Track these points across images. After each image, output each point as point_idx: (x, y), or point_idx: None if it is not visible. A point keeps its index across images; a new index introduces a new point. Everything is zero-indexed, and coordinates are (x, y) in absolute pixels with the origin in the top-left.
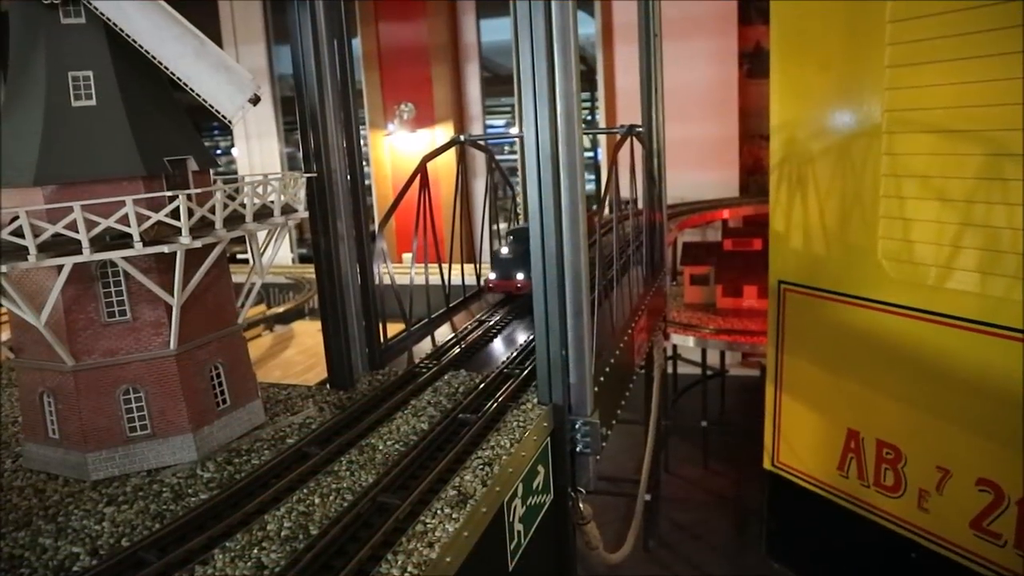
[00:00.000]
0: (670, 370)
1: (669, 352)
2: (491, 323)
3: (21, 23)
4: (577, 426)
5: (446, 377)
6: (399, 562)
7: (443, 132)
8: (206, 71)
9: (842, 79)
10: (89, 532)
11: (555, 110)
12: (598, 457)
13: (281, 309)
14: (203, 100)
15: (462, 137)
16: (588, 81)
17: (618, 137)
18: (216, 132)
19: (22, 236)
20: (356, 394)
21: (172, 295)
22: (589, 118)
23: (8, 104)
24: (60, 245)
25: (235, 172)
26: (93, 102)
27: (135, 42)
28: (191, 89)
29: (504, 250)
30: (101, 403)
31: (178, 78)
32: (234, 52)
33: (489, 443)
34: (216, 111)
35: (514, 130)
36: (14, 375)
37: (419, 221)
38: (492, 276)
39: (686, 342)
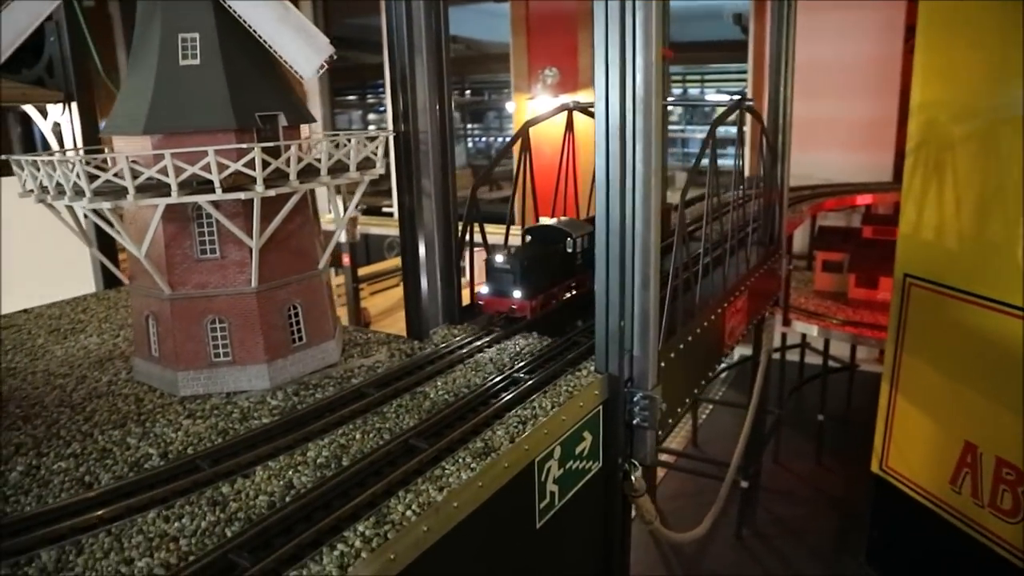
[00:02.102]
0: (794, 358)
1: (796, 340)
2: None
3: None
4: (636, 399)
5: (516, 338)
6: (407, 500)
7: (585, 97)
8: (288, 34)
9: (994, 59)
10: (166, 438)
11: (625, 79)
12: (659, 432)
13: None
14: (283, 60)
15: (571, 103)
16: (741, 51)
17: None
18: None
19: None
20: (428, 345)
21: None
22: (739, 90)
23: (131, 66)
24: (158, 187)
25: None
26: (197, 61)
27: (228, 6)
28: (273, 49)
29: (499, 259)
30: (191, 329)
31: (263, 39)
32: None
33: (532, 403)
34: (295, 71)
35: None
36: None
37: (516, 185)
38: (483, 290)
39: (809, 331)
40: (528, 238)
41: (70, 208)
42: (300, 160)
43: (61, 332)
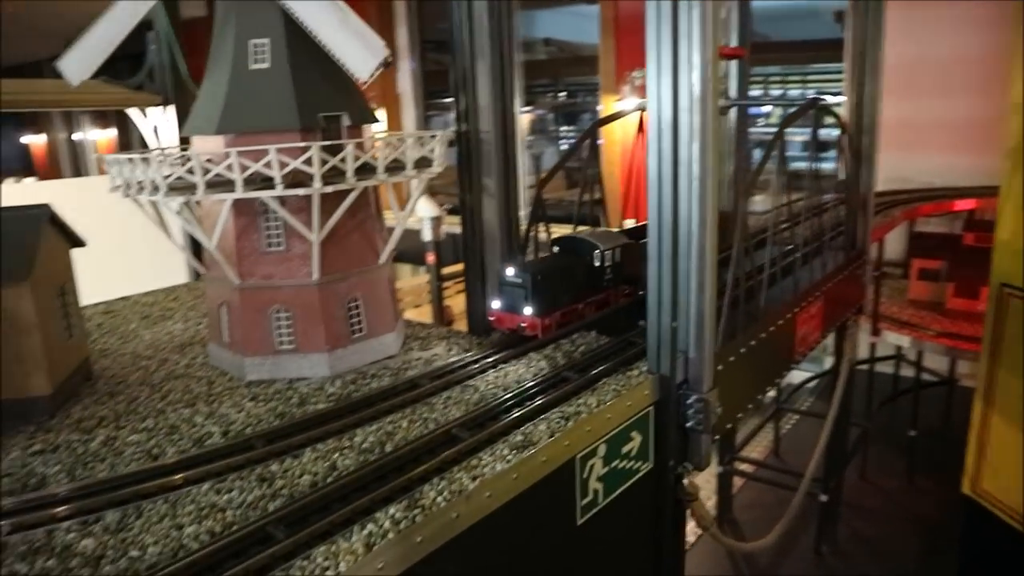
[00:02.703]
0: (888, 370)
1: (888, 351)
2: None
3: (222, 3)
4: (690, 401)
5: (574, 336)
6: (440, 487)
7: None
8: (346, 38)
9: None
10: (228, 418)
11: (678, 76)
12: (716, 437)
13: None
14: (341, 63)
15: (643, 103)
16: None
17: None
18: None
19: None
20: (485, 341)
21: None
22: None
23: (208, 71)
24: (225, 184)
25: None
26: (267, 65)
27: (292, 13)
28: (331, 52)
29: (509, 271)
30: (258, 318)
31: (322, 43)
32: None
33: (578, 400)
34: (351, 74)
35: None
36: None
37: (583, 184)
38: (495, 304)
39: (901, 342)
40: (556, 249)
41: (153, 203)
42: (357, 159)
43: (152, 318)
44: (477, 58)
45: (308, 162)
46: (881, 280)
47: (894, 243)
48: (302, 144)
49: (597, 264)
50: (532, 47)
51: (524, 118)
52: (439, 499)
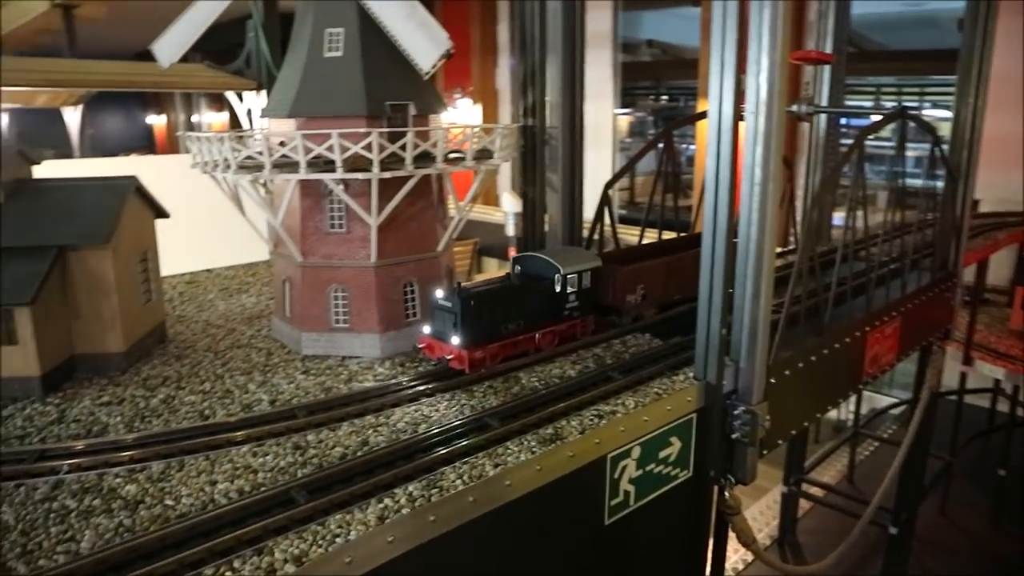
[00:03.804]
0: (982, 403)
1: (984, 383)
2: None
3: None
4: (737, 412)
5: (627, 337)
6: (461, 470)
7: None
8: (412, 30)
9: None
10: (279, 388)
11: (737, 79)
12: (764, 452)
13: None
14: (406, 53)
15: None
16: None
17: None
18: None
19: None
20: None
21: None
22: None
23: (287, 57)
24: (292, 165)
25: None
26: (340, 53)
27: (365, 5)
28: (398, 43)
29: (438, 294)
30: (316, 295)
31: (390, 33)
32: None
33: (617, 400)
34: (415, 63)
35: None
36: None
37: (655, 186)
38: (426, 329)
39: (996, 373)
40: (517, 268)
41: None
42: (417, 147)
43: (229, 291)
44: (548, 54)
45: (369, 148)
46: (978, 306)
47: (1000, 268)
48: (363, 130)
49: (558, 289)
50: (635, 48)
51: (622, 120)
52: (458, 482)
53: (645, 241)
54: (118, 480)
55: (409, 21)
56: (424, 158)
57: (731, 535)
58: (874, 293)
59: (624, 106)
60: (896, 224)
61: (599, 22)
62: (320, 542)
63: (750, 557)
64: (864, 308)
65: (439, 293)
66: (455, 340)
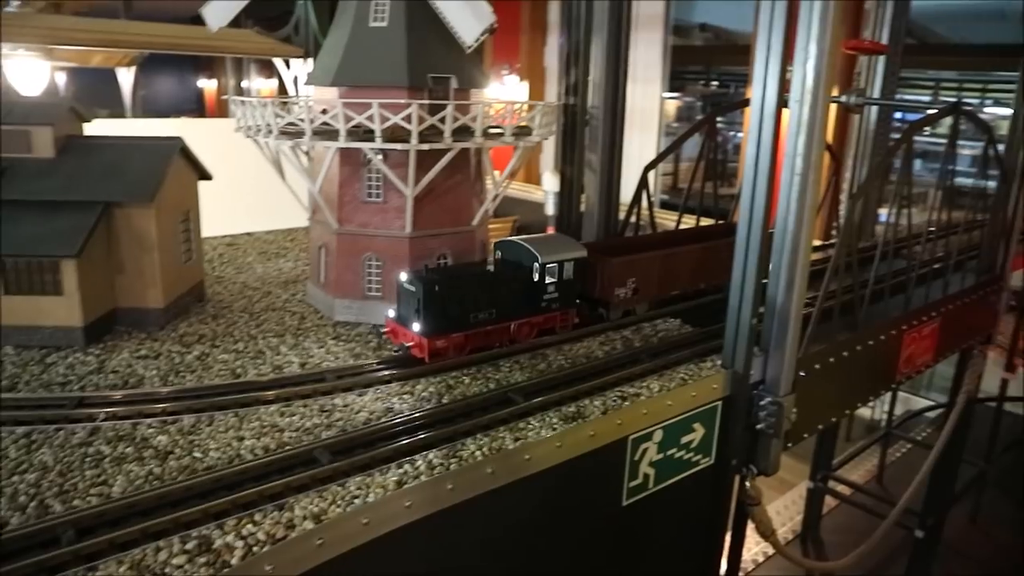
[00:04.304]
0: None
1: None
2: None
3: None
4: (763, 403)
5: (658, 322)
6: (481, 442)
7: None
8: (457, 3)
9: None
10: (309, 352)
11: (783, 67)
12: (788, 444)
13: None
14: (449, 26)
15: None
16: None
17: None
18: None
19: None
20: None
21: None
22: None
23: (332, 26)
24: (332, 133)
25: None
26: (385, 24)
27: None
28: (442, 16)
29: (403, 276)
30: (350, 263)
31: (435, 5)
32: None
33: (642, 384)
34: (458, 37)
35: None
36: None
37: (694, 173)
38: (390, 313)
39: None
40: (498, 254)
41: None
42: (456, 120)
43: (267, 254)
44: (593, 33)
45: (408, 119)
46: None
47: None
48: (404, 101)
49: (536, 279)
50: (687, 32)
51: (670, 104)
52: (477, 453)
53: (683, 227)
54: (151, 430)
55: None
56: (463, 132)
57: (751, 526)
58: (913, 292)
59: (673, 90)
60: (943, 223)
61: (650, 4)
62: (339, 502)
63: (771, 550)
64: (899, 307)
65: (403, 275)
66: (416, 327)
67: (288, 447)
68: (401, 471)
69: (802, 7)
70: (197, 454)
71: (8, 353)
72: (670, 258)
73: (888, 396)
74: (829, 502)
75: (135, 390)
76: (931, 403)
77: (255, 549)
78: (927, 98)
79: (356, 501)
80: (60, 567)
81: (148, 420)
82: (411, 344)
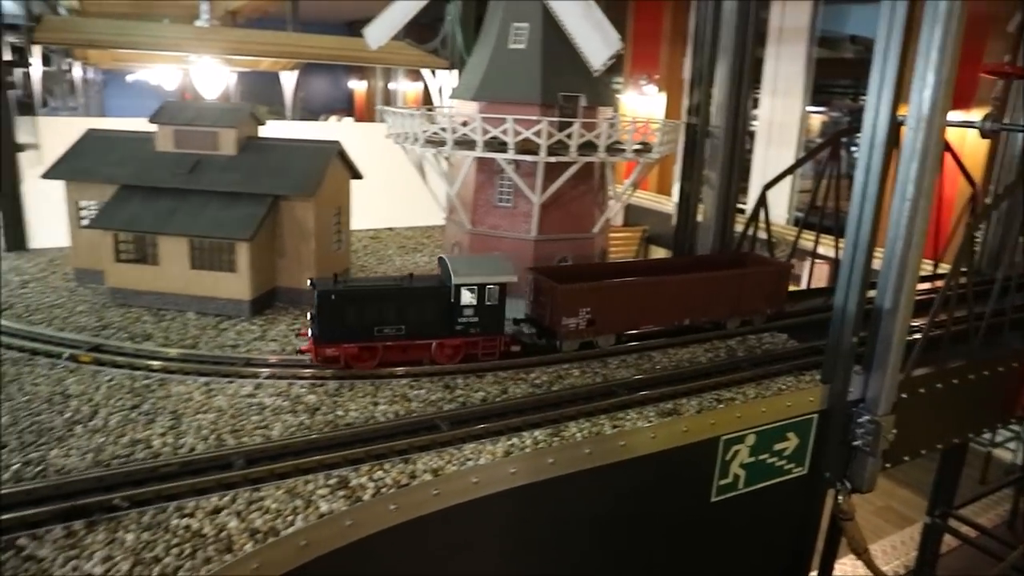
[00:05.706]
0: None
1: None
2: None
3: None
4: (861, 420)
5: (766, 335)
6: (583, 426)
7: (973, 115)
8: (587, 29)
9: None
10: None
11: (897, 87)
12: (886, 465)
13: None
14: (579, 51)
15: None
16: None
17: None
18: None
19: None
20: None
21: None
22: None
23: (477, 46)
24: (470, 144)
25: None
26: (523, 46)
27: (546, 3)
28: (573, 41)
29: (310, 281)
30: None
31: (566, 31)
32: (780, 7)
33: (739, 390)
34: (587, 60)
35: None
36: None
37: (815, 192)
38: (308, 314)
39: None
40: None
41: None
42: (582, 136)
43: (406, 248)
44: (720, 54)
45: (539, 133)
46: None
47: None
48: (535, 117)
49: (453, 300)
50: (836, 44)
51: (814, 119)
52: (578, 435)
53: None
54: (302, 390)
55: (585, 21)
56: (589, 147)
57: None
58: None
59: (817, 104)
60: None
61: (795, 16)
62: (454, 462)
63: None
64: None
65: (310, 281)
66: (310, 331)
67: (415, 414)
68: (509, 443)
69: (922, 37)
70: (339, 412)
71: (191, 318)
72: (643, 288)
73: None
74: (952, 543)
75: (291, 357)
76: None
77: (383, 490)
78: None
79: (468, 463)
80: (232, 485)
81: (300, 382)
82: (302, 349)
